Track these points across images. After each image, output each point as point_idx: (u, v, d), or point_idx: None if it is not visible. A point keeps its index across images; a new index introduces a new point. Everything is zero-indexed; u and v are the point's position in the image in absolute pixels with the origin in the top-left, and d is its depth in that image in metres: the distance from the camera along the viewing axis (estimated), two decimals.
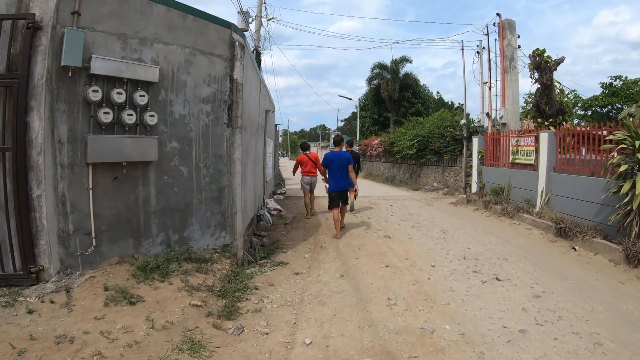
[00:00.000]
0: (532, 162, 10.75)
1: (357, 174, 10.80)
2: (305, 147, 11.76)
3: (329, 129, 61.87)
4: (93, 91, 4.94)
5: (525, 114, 17.09)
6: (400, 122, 32.97)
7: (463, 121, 15.55)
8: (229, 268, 5.97)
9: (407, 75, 39.66)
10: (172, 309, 4.51)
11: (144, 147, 5.34)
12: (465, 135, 15.35)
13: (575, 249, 7.44)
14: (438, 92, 43.82)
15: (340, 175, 8.48)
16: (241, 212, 6.71)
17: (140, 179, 5.48)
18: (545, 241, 8.13)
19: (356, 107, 41.36)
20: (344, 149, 9.24)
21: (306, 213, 11.01)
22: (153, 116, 5.40)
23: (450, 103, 52.65)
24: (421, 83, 41.12)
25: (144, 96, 5.32)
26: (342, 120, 68.13)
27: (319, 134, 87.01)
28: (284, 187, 19.77)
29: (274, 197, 15.34)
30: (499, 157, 12.72)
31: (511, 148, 11.76)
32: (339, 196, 8.53)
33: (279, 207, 11.38)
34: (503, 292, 5.31)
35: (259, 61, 19.43)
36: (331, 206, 8.53)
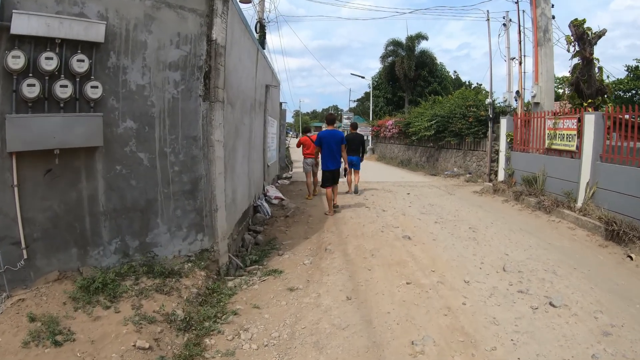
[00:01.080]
0: (574, 148, 9.24)
1: (362, 156, 11.55)
2: (307, 130, 12.02)
3: (341, 110, 60.26)
4: (13, 57, 3.63)
5: (557, 96, 15.50)
6: (416, 102, 31.27)
7: (488, 100, 13.96)
8: (203, 283, 4.68)
9: (423, 53, 37.72)
10: (109, 354, 3.24)
11: (84, 128, 3.99)
12: (491, 116, 13.79)
13: (631, 258, 6.03)
14: (455, 72, 41.66)
15: (334, 154, 8.62)
16: (225, 208, 5.41)
17: (83, 170, 4.17)
18: (594, 246, 6.70)
19: (369, 87, 39.55)
20: (352, 129, 10.29)
21: (308, 194, 10.92)
22: (96, 87, 4.04)
23: (467, 83, 50.53)
24: (438, 61, 39.20)
25: (83, 61, 3.97)
26: (354, 101, 66.85)
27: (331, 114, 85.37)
28: (291, 170, 18.46)
29: (279, 182, 14.06)
30: (530, 142, 11.20)
31: (547, 131, 10.23)
32: (332, 175, 8.65)
33: (280, 195, 10.06)
34: (562, 325, 3.93)
35: (263, 35, 18.00)
36: (324, 185, 8.76)
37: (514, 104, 13.83)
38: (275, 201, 9.72)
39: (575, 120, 9.19)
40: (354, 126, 12.75)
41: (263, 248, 6.51)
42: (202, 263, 4.94)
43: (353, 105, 60.79)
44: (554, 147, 9.93)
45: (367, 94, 69.73)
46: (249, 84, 7.37)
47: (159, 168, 4.64)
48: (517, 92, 12.79)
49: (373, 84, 39.43)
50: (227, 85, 5.55)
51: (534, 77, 11.99)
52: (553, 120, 9.95)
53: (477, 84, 35.63)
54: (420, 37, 37.57)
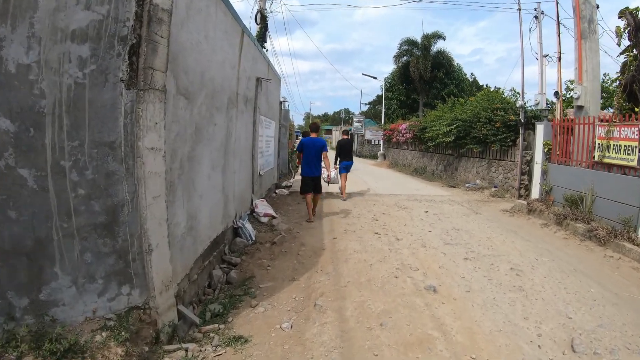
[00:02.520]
0: (634, 163, 7.55)
1: (351, 158, 12.19)
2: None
3: (352, 113, 58.89)
4: None
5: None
6: (431, 106, 29.54)
7: (520, 102, 12.21)
8: None
9: (440, 53, 35.98)
10: None
11: None
12: (522, 120, 12.08)
13: None
14: (472, 74, 39.52)
15: (314, 161, 8.68)
16: (172, 244, 3.85)
17: None
18: None
19: (381, 89, 37.82)
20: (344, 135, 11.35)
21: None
22: None
23: (486, 86, 48.45)
24: (455, 62, 37.39)
25: None
26: (366, 104, 65.92)
27: (342, 117, 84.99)
28: (294, 177, 16.86)
29: (277, 191, 12.47)
30: (573, 153, 9.50)
31: (597, 141, 8.52)
32: (312, 182, 8.67)
33: (271, 211, 8.44)
34: None
35: (264, 27, 16.49)
36: (303, 191, 8.73)
37: (544, 106, 12.14)
38: (265, 219, 8.12)
39: (637, 129, 7.50)
40: (345, 132, 13.34)
41: (233, 292, 4.90)
42: (124, 333, 3.33)
43: (365, 108, 59.21)
44: (606, 160, 8.22)
45: (379, 97, 68.22)
46: (225, 72, 5.78)
47: (53, 191, 3.06)
48: (556, 92, 11.07)
49: (386, 85, 37.69)
50: (180, 68, 3.99)
51: (576, 75, 10.29)
52: (606, 128, 8.24)
53: (496, 87, 33.69)
54: (437, 36, 35.86)
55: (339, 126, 62.26)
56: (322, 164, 8.96)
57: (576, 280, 5.46)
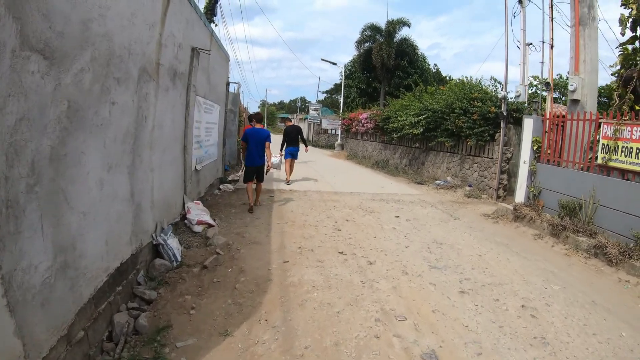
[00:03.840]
0: None
1: (306, 145, 13.78)
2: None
3: (309, 102, 57.56)
4: None
5: None
6: (394, 95, 28.38)
7: (502, 92, 11.07)
8: None
9: (404, 41, 34.96)
10: None
11: None
12: (504, 113, 10.94)
13: None
14: (436, 65, 38.51)
15: (257, 151, 8.77)
16: (11, 308, 2.26)
17: None
18: None
19: (341, 75, 36.28)
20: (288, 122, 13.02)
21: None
22: None
23: (448, 78, 47.72)
24: (419, 52, 36.42)
25: None
26: (323, 92, 64.97)
27: (298, 106, 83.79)
28: (242, 169, 15.17)
29: (221, 187, 10.85)
30: (568, 152, 8.40)
31: (602, 142, 7.40)
32: (256, 170, 8.83)
33: (207, 219, 6.81)
34: None
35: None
36: (246, 180, 8.88)
37: (525, 98, 11.12)
38: (199, 227, 6.52)
39: None
40: (289, 120, 14.05)
41: (139, 352, 3.33)
42: None
43: (322, 97, 57.89)
44: (613, 164, 7.12)
45: (337, 85, 67.04)
46: (135, 31, 4.11)
47: None
48: (547, 83, 9.96)
49: (346, 72, 36.09)
50: (32, 6, 2.36)
51: (572, 66, 9.19)
52: (613, 127, 7.11)
53: (465, 77, 32.86)
54: (402, 23, 34.80)
55: (295, 114, 60.80)
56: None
57: (601, 320, 4.27)
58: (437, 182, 13.15)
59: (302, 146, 13.25)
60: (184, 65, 6.35)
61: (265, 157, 9.07)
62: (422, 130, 14.37)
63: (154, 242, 5.28)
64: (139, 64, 4.31)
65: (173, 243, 5.44)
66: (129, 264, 4.31)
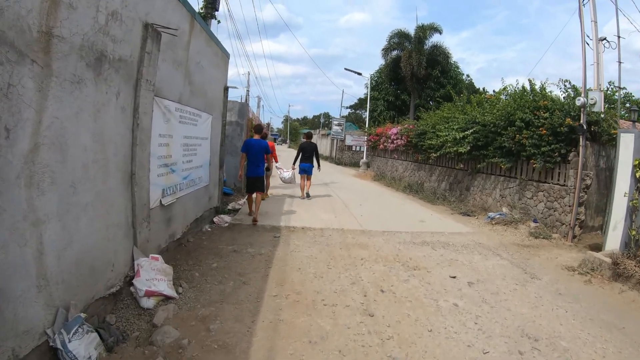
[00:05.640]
0: None
1: (319, 163, 13.23)
2: (309, 136, 12.68)
3: (332, 117, 55.85)
4: None
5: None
6: (425, 108, 26.00)
7: (582, 99, 8.59)
8: None
9: (436, 48, 32.52)
10: None
11: None
12: (584, 126, 8.49)
13: None
14: (468, 76, 35.71)
15: (257, 162, 9.18)
16: None
17: None
18: None
19: (366, 87, 33.95)
20: (306, 138, 13.45)
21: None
22: None
23: (482, 90, 44.70)
24: (452, 60, 33.93)
25: None
26: (346, 107, 63.91)
27: (321, 122, 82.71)
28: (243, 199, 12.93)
29: (216, 218, 8.69)
30: None
31: None
32: (254, 181, 9.19)
33: (162, 288, 4.44)
34: None
35: None
36: (247, 191, 9.61)
37: (601, 107, 8.72)
38: (149, 302, 4.25)
39: None
40: (307, 135, 13.74)
41: None
42: None
43: (345, 112, 56.26)
44: None
45: (361, 100, 65.22)
46: None
47: None
48: None
49: (371, 83, 33.63)
50: None
51: None
52: None
53: (494, 90, 30.08)
54: (433, 28, 32.40)
55: (318, 130, 58.81)
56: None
57: None
58: (490, 214, 10.64)
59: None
60: (127, 49, 4.15)
61: (264, 166, 9.45)
62: (469, 148, 11.92)
63: (51, 344, 3.08)
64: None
65: (79, 347, 3.17)
66: None
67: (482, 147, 11.70)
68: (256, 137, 9.41)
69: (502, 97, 12.61)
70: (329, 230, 8.47)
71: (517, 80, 39.35)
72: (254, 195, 9.13)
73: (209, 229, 8.06)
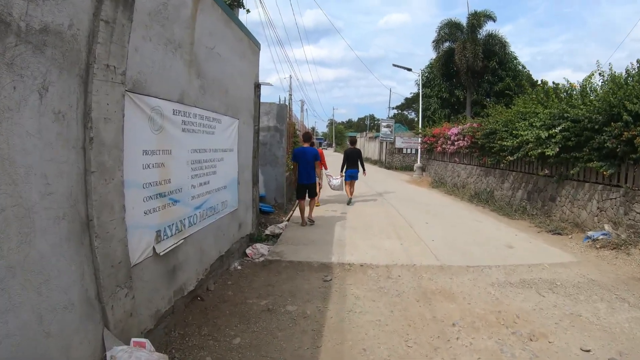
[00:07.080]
0: None
1: (364, 168, 13.38)
2: (353, 142, 13.46)
3: (378, 119, 53.71)
4: None
5: None
6: (482, 105, 23.61)
7: None
8: None
9: (491, 37, 29.92)
10: None
11: None
12: None
13: None
14: (524, 67, 32.52)
15: (307, 170, 9.64)
16: None
17: None
18: None
19: (416, 84, 31.59)
20: (351, 145, 13.55)
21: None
22: None
23: (541, 82, 41.04)
24: (510, 50, 31.16)
25: None
26: (393, 108, 62.04)
27: (367, 124, 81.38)
28: (293, 211, 11.30)
29: (249, 250, 7.12)
30: None
31: None
32: (305, 188, 9.73)
33: None
34: None
35: None
36: (298, 197, 9.94)
37: None
38: None
39: None
40: (352, 141, 13.88)
41: None
42: None
43: (392, 114, 54.25)
44: None
45: (408, 100, 63.05)
46: None
47: None
48: None
49: (422, 79, 31.11)
50: None
51: None
52: None
53: (553, 82, 26.61)
54: (486, 16, 29.87)
55: (364, 132, 56.99)
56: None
57: None
58: (590, 234, 8.48)
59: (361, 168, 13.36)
60: (63, 13, 2.54)
61: (316, 176, 9.93)
62: (557, 149, 9.79)
63: None
64: None
65: None
66: None
67: (573, 148, 9.56)
68: (305, 145, 9.96)
69: (595, 82, 10.37)
70: (396, 268, 6.52)
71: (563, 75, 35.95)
72: (306, 199, 9.78)
73: (239, 267, 6.43)
